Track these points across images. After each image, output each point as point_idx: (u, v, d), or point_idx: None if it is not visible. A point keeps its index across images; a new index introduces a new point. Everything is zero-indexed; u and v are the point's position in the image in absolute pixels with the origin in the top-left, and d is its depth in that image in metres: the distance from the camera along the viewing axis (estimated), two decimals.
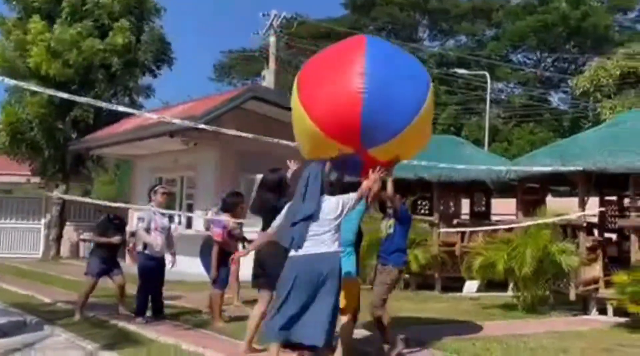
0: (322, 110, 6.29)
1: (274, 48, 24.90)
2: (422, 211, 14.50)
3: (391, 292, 7.00)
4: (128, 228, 10.29)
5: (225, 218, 9.06)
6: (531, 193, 12.19)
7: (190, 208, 17.20)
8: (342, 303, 5.90)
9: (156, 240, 8.75)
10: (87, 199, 15.88)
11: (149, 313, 8.90)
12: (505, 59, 42.06)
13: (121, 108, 9.09)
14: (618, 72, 21.81)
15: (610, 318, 9.80)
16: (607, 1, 37.44)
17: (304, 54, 39.55)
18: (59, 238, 21.20)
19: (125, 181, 27.79)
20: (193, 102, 18.28)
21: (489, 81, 33.31)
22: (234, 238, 9.26)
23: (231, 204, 9.19)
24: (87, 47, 19.72)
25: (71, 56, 19.62)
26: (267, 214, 6.56)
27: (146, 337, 7.63)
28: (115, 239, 9.40)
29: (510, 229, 11.51)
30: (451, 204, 14.27)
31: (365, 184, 5.79)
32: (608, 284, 9.97)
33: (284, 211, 5.94)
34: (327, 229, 5.55)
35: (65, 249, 21.45)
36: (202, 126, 7.67)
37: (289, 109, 17.95)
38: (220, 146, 15.87)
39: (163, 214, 9.13)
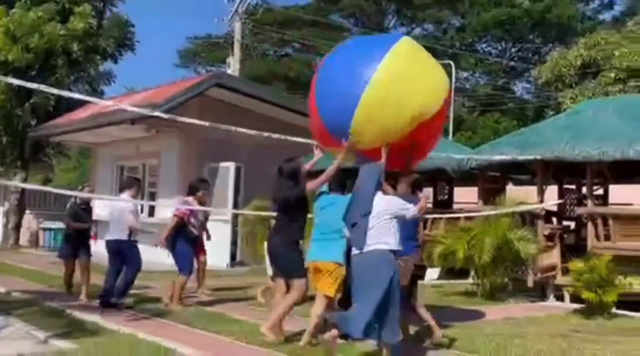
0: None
1: (239, 35, 24.68)
2: None
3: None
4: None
5: (192, 200, 9.33)
6: (492, 181, 12.31)
7: (152, 197, 17.03)
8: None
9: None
10: (45, 188, 15.52)
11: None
12: (470, 48, 42.34)
13: (78, 96, 8.90)
14: (579, 62, 22.10)
15: (567, 304, 9.97)
16: None
17: (269, 41, 39.43)
18: (17, 226, 20.83)
19: (87, 169, 27.42)
20: (156, 89, 18.05)
21: (453, 70, 33.50)
22: (201, 226, 9.54)
23: (194, 187, 9.48)
24: (48, 32, 19.31)
25: (32, 41, 19.19)
26: (282, 203, 6.91)
27: (103, 327, 7.54)
28: (87, 225, 10.07)
29: (471, 218, 11.62)
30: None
31: (422, 203, 6.10)
32: (565, 271, 10.14)
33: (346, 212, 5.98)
34: (383, 226, 5.71)
35: (24, 239, 21.08)
36: (157, 113, 7.57)
37: (254, 97, 17.95)
38: (183, 134, 15.71)
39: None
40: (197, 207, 9.33)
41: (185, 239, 9.16)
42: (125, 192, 9.43)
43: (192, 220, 9.29)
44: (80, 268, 9.97)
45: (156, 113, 7.64)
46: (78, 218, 10.03)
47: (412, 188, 6.99)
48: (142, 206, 17.26)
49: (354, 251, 5.79)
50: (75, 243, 10.10)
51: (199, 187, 9.54)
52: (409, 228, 6.69)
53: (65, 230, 10.73)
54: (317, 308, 6.57)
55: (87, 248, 10.15)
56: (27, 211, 21.32)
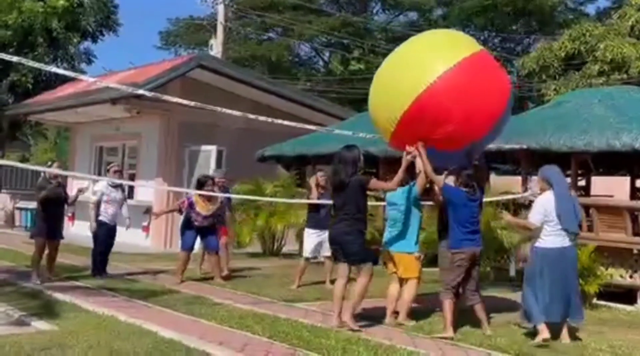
0: None
1: (222, 17, 24.39)
2: None
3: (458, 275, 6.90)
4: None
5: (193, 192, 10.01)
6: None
7: (132, 178, 16.80)
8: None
9: (108, 210, 10.12)
10: (23, 165, 15.27)
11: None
12: None
13: (61, 71, 8.69)
14: (563, 54, 22.13)
15: None
16: None
17: (252, 24, 39.09)
18: None
19: (65, 148, 27.06)
20: (138, 69, 17.79)
21: None
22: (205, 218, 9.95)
23: (201, 183, 10.01)
24: (28, 8, 18.92)
25: (10, 18, 18.79)
26: (336, 189, 6.98)
27: (80, 307, 7.43)
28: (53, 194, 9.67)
29: None
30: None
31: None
32: None
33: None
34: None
35: None
36: (142, 91, 7.40)
37: (237, 79, 17.85)
38: (165, 116, 15.52)
39: (115, 187, 10.33)
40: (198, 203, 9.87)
41: (187, 224, 9.95)
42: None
43: (192, 214, 9.85)
44: (50, 248, 9.70)
45: (140, 91, 7.46)
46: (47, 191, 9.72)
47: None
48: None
49: (560, 242, 6.53)
50: (49, 223, 9.68)
51: (204, 180, 10.08)
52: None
53: (36, 209, 10.44)
54: (411, 292, 7.18)
55: (59, 229, 9.94)
56: (3, 191, 20.99)
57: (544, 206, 6.63)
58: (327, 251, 8.93)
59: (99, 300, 7.91)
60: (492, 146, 10.56)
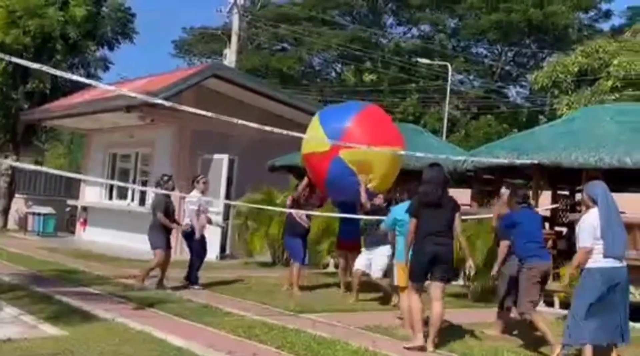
0: None
1: (236, 27, 24.58)
2: None
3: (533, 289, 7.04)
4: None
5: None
6: (486, 184, 12.29)
7: (144, 185, 16.92)
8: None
9: (203, 221, 10.15)
10: (38, 167, 15.32)
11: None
12: (466, 51, 42.39)
13: (77, 78, 8.79)
14: (576, 69, 22.15)
15: (556, 309, 9.95)
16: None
17: (265, 35, 39.33)
18: (6, 210, 20.66)
19: (78, 154, 27.23)
20: (152, 78, 17.93)
21: (450, 71, 33.54)
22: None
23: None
24: (49, 16, 19.11)
25: (31, 23, 18.97)
26: (429, 207, 6.91)
27: (93, 314, 7.49)
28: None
29: (463, 220, 11.57)
30: (406, 193, 14.25)
31: None
32: (556, 276, 10.13)
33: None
34: None
35: (12, 222, 20.91)
36: (158, 100, 7.48)
37: (250, 89, 17.93)
38: (178, 124, 15.62)
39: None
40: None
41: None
42: None
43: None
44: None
45: (157, 100, 7.56)
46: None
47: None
48: (133, 193, 17.26)
49: (612, 263, 6.16)
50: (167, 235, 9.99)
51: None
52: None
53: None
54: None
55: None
56: (17, 195, 21.15)
57: (592, 224, 6.24)
58: (379, 273, 9.29)
59: (109, 306, 7.97)
60: (504, 161, 10.65)
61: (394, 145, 9.62)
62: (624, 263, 6.28)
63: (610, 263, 6.16)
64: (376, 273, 9.37)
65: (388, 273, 9.11)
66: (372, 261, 9.41)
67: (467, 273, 9.82)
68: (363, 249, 9.82)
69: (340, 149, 9.15)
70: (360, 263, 9.61)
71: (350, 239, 10.18)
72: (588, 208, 6.42)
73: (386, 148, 9.38)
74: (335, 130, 9.36)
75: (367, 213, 9.44)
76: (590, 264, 6.24)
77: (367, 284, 9.77)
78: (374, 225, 9.23)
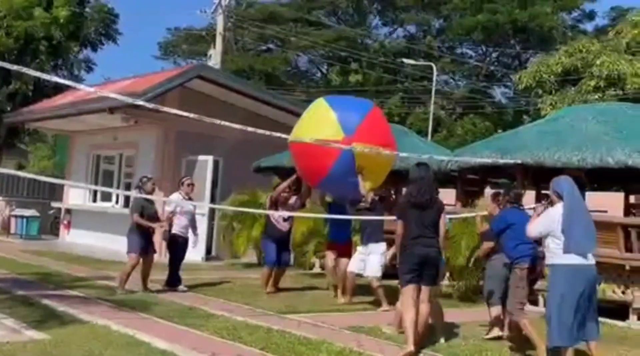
0: None
1: (221, 28, 24.48)
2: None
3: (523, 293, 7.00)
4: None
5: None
6: (470, 184, 12.33)
7: (128, 187, 16.82)
8: None
9: (181, 222, 10.03)
10: (17, 173, 15.16)
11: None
12: (451, 51, 42.54)
13: (60, 80, 8.72)
14: (560, 69, 22.29)
15: (541, 308, 9.98)
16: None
17: (250, 36, 39.24)
18: None
19: (63, 156, 27.05)
20: (136, 79, 17.85)
21: (434, 72, 33.64)
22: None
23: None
24: (34, 17, 18.97)
25: (17, 25, 18.83)
26: (418, 208, 6.80)
27: (76, 317, 7.44)
28: None
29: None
30: (392, 192, 14.29)
31: None
32: (540, 276, 10.16)
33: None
34: None
35: None
36: (140, 102, 7.42)
37: (235, 90, 17.84)
38: (162, 125, 15.55)
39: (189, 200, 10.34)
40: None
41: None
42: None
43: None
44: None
45: (140, 102, 7.51)
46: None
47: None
48: (117, 196, 17.16)
49: (580, 260, 6.00)
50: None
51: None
52: None
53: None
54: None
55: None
56: (0, 198, 20.99)
57: (553, 218, 6.13)
58: (375, 272, 9.12)
59: (92, 309, 7.92)
60: (487, 161, 10.69)
61: (393, 148, 9.44)
62: (591, 260, 6.11)
63: (573, 259, 5.99)
64: (371, 273, 9.18)
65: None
66: (366, 260, 9.25)
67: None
68: (358, 247, 9.63)
69: (352, 141, 8.69)
70: (354, 265, 9.43)
71: (341, 242, 10.01)
72: (554, 203, 6.29)
73: (387, 150, 9.14)
74: (351, 122, 8.91)
75: (361, 209, 9.37)
76: (553, 260, 6.12)
77: (359, 287, 9.73)
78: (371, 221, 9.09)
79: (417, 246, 6.66)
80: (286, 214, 10.08)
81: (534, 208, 7.11)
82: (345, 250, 9.87)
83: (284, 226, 10.28)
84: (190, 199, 10.42)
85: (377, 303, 9.32)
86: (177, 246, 10.03)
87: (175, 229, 10.00)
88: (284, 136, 8.81)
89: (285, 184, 10.26)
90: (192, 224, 10.24)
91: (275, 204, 10.15)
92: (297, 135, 9.08)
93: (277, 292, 10.21)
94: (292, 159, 9.97)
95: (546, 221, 6.19)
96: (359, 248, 9.54)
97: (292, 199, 10.36)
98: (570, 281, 5.98)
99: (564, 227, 6.01)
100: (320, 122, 9.03)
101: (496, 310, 7.44)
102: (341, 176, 8.76)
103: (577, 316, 6.00)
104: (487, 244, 7.53)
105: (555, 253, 6.08)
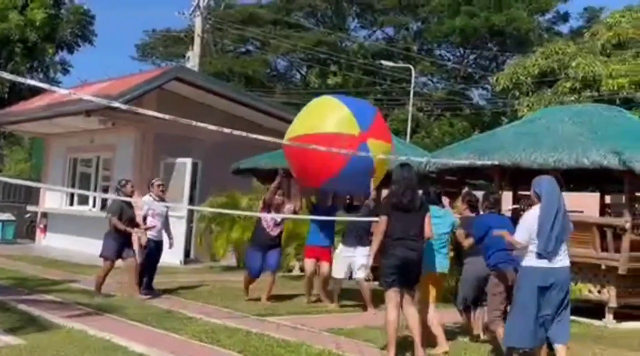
0: None
1: (199, 29, 24.41)
2: None
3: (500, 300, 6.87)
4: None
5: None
6: (448, 185, 12.38)
7: (106, 190, 16.69)
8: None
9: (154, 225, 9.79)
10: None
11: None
12: (429, 53, 42.75)
13: (36, 83, 8.58)
14: (536, 71, 22.49)
15: None
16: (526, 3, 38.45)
17: (229, 38, 39.13)
18: None
19: (40, 159, 26.76)
20: (114, 81, 17.72)
21: (413, 74, 33.78)
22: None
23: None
24: (9, 19, 18.78)
25: None
26: (402, 210, 6.61)
27: (52, 322, 7.36)
28: None
29: None
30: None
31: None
32: None
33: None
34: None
35: None
36: (117, 104, 7.37)
37: (213, 92, 17.78)
38: (140, 128, 15.46)
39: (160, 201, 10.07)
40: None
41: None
42: None
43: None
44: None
45: (116, 104, 7.45)
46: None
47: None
48: (94, 199, 17.00)
49: (545, 263, 5.91)
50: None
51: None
52: None
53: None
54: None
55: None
56: None
57: (531, 222, 6.03)
58: (360, 273, 8.97)
59: (69, 313, 7.85)
60: (464, 162, 10.75)
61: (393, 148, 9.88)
62: (561, 263, 5.97)
63: (544, 262, 5.90)
64: (359, 274, 9.05)
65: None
66: (353, 261, 9.18)
67: None
68: (340, 247, 9.52)
69: (368, 138, 8.87)
70: (339, 269, 9.33)
71: (323, 245, 9.76)
72: (534, 204, 6.17)
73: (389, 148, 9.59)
74: (365, 119, 9.03)
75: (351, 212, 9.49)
76: (524, 262, 6.04)
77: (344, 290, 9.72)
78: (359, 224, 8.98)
79: (399, 248, 6.46)
80: (280, 216, 9.66)
81: (511, 210, 7.14)
82: (326, 254, 9.71)
83: (274, 231, 9.78)
84: (162, 200, 10.15)
85: (363, 308, 9.28)
86: (148, 250, 9.74)
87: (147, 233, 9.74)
88: (261, 137, 8.75)
89: (275, 183, 9.81)
90: (166, 226, 10.02)
91: (268, 207, 9.71)
92: (306, 129, 9.07)
93: (274, 302, 9.69)
94: (286, 158, 9.84)
95: (525, 225, 6.09)
96: (342, 249, 9.45)
97: (288, 206, 9.89)
98: (534, 283, 5.90)
99: (538, 231, 5.94)
100: (336, 117, 9.05)
101: (465, 315, 7.46)
102: (353, 176, 8.79)
103: (541, 319, 5.91)
104: (468, 242, 7.42)
105: (527, 255, 6.02)
